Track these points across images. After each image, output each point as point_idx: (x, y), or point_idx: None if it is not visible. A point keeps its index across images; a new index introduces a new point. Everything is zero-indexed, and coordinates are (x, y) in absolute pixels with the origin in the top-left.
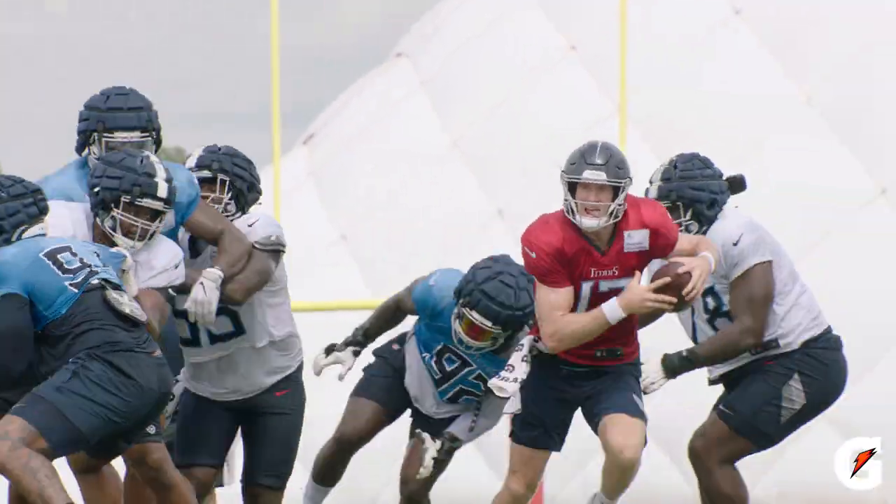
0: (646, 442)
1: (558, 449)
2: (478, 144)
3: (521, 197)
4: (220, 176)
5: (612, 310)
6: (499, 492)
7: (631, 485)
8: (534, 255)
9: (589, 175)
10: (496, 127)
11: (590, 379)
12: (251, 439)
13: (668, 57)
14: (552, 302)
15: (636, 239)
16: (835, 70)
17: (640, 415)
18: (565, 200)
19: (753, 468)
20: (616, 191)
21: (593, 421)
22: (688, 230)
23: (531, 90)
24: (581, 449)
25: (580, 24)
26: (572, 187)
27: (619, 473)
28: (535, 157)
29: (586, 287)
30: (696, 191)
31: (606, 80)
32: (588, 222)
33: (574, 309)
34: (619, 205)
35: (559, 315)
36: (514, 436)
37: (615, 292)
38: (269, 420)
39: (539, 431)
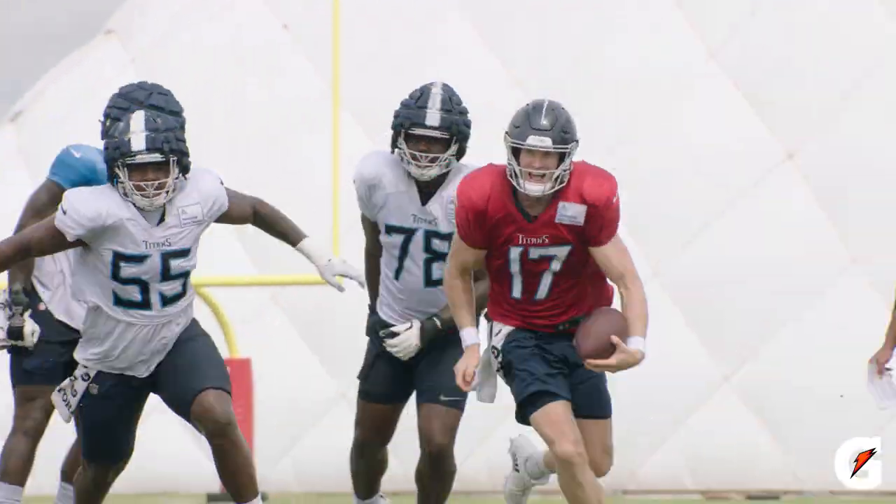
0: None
1: (570, 397)
2: (189, 125)
3: (232, 179)
4: None
5: (465, 338)
6: (558, 469)
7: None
8: (458, 204)
9: (533, 141)
10: (208, 107)
11: (562, 341)
12: (170, 376)
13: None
14: (457, 256)
15: (570, 212)
16: (738, 30)
17: (607, 415)
18: (508, 164)
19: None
20: (562, 156)
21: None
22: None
23: (244, 69)
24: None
25: (294, 3)
26: (516, 151)
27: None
28: (247, 139)
29: (515, 252)
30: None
31: (320, 61)
32: (533, 188)
33: (506, 270)
34: (565, 170)
35: (456, 274)
36: (528, 408)
37: (547, 260)
38: (184, 347)
39: (547, 385)
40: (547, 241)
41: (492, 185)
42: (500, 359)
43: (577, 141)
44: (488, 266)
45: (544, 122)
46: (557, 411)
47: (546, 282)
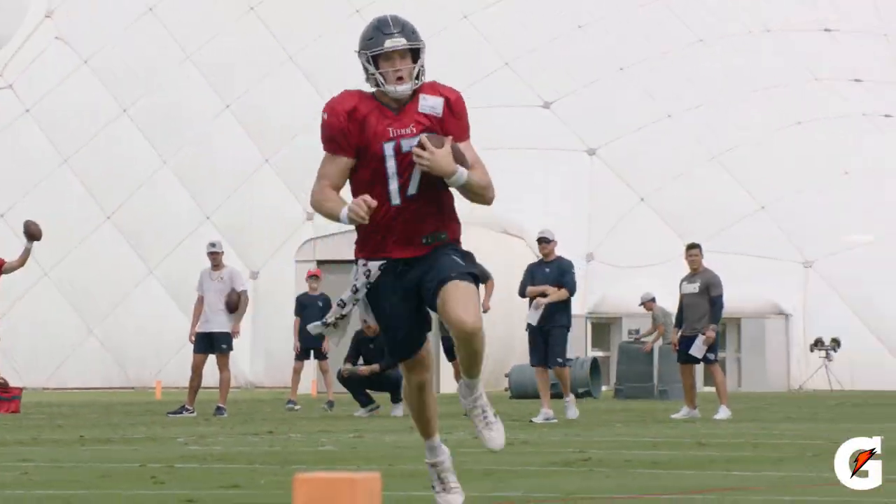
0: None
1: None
2: None
3: None
4: None
5: (344, 215)
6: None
7: None
8: (326, 115)
9: (390, 43)
10: None
11: (419, 265)
12: None
13: None
14: (325, 170)
15: (430, 102)
16: None
17: (469, 278)
18: (371, 76)
19: None
20: (416, 53)
21: (433, 302)
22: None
23: None
24: None
25: None
26: (374, 61)
27: (465, 346)
28: None
29: (389, 147)
30: None
31: None
32: (401, 88)
33: (383, 172)
34: (422, 66)
35: (326, 184)
36: (395, 356)
37: None
38: None
39: (407, 341)
40: (414, 130)
41: (357, 92)
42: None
43: (423, 42)
44: (360, 180)
45: (394, 28)
46: (418, 358)
47: (416, 175)
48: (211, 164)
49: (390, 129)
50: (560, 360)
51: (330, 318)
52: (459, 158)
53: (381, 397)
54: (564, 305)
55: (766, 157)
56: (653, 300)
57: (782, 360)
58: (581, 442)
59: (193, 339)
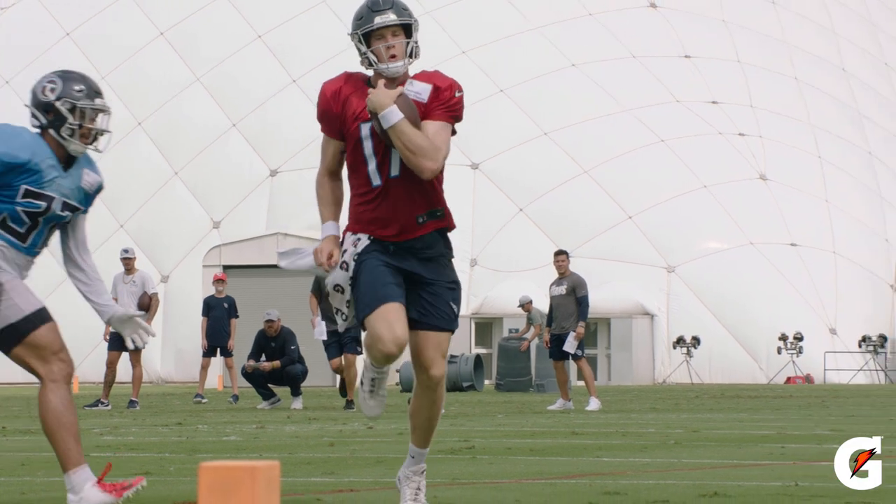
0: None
1: (403, 301)
2: None
3: None
4: None
5: (325, 229)
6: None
7: None
8: (318, 99)
9: (380, 20)
10: None
11: (414, 256)
12: None
13: None
14: (323, 152)
15: (416, 87)
16: None
17: (451, 331)
18: (364, 56)
19: None
20: (408, 28)
21: (411, 327)
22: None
23: None
24: None
25: None
26: (366, 40)
27: (428, 395)
28: None
29: (366, 129)
30: None
31: None
32: (395, 65)
33: (361, 155)
34: (415, 42)
35: (323, 170)
36: (367, 306)
37: None
38: None
39: (385, 290)
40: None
41: (348, 75)
42: (350, 272)
43: (416, 19)
44: (348, 163)
45: (383, 5)
46: (391, 312)
47: (397, 157)
48: (124, 176)
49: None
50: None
51: (344, 310)
52: (404, 109)
53: (282, 391)
54: None
55: (633, 171)
56: (530, 302)
57: (648, 357)
58: (465, 431)
59: (108, 337)
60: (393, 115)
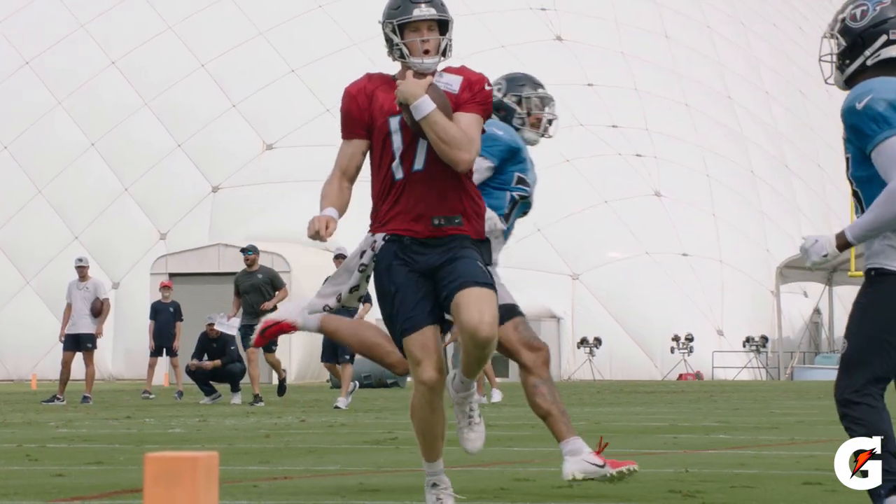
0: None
1: (439, 323)
2: None
3: None
4: None
5: (325, 209)
6: (413, 393)
7: None
8: (341, 102)
9: (419, 12)
10: None
11: (434, 247)
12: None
13: None
14: (338, 156)
15: (446, 79)
16: None
17: (489, 285)
18: (395, 47)
19: None
20: (444, 25)
21: (445, 300)
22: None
23: None
24: None
25: None
26: (401, 31)
27: (476, 352)
28: None
29: (395, 122)
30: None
31: None
32: (428, 61)
33: (389, 144)
34: (449, 40)
35: (336, 173)
36: (400, 332)
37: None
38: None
39: (414, 312)
40: None
41: (373, 74)
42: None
43: (452, 18)
44: (372, 159)
45: None
46: (427, 338)
47: (422, 150)
48: (78, 191)
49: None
50: (347, 356)
51: (356, 284)
52: (436, 99)
53: (223, 387)
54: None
55: (542, 188)
56: None
57: (555, 355)
58: (389, 424)
59: (63, 339)
60: (426, 105)
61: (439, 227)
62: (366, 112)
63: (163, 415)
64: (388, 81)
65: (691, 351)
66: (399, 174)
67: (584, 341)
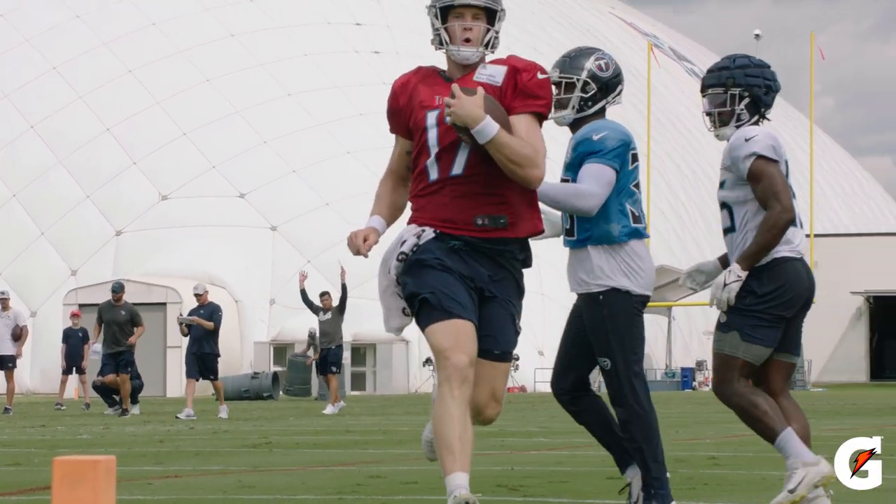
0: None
1: (474, 320)
2: None
3: None
4: None
5: (371, 220)
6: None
7: None
8: (389, 94)
9: None
10: None
11: (476, 259)
12: None
13: None
14: (392, 155)
15: (489, 71)
16: None
17: (509, 355)
18: (436, 32)
19: None
20: (492, 15)
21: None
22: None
23: None
24: None
25: None
26: (444, 14)
27: (475, 423)
28: None
29: (432, 117)
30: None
31: None
32: (466, 50)
33: (425, 140)
34: (496, 32)
35: (388, 172)
36: (429, 317)
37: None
38: None
39: (466, 301)
40: None
41: (420, 67)
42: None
43: (504, 9)
44: (413, 158)
45: None
46: (461, 328)
47: (463, 154)
48: (3, 234)
49: (437, 97)
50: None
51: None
52: (495, 114)
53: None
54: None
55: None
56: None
57: (404, 372)
58: (264, 430)
59: None
60: (489, 129)
61: (483, 227)
62: (406, 109)
63: (72, 423)
64: (435, 74)
65: (517, 368)
66: (434, 174)
67: (427, 360)
